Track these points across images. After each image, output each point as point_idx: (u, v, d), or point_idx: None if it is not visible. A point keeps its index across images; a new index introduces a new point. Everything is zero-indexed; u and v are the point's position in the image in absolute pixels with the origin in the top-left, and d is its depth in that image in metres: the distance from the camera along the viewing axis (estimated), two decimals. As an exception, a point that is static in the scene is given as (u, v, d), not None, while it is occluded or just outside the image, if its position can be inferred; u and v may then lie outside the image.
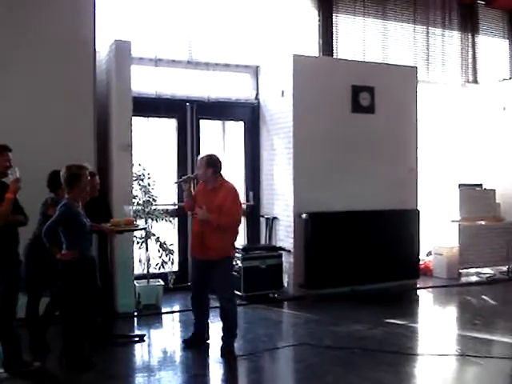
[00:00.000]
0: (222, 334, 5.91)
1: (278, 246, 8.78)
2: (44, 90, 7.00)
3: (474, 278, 9.99)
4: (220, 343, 5.91)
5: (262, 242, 9.22)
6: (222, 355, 5.81)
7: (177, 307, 7.87)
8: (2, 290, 4.90)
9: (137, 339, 6.42)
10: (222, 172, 5.97)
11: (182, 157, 8.94)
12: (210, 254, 5.74)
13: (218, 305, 5.99)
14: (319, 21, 9.99)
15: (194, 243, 6.00)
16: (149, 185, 8.06)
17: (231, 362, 5.70)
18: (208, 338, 6.18)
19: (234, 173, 9.41)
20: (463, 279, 9.90)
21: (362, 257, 8.71)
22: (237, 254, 8.24)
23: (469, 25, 11.39)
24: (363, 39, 10.38)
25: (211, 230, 5.70)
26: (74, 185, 5.27)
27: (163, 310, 7.67)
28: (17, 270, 5.12)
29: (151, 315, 7.41)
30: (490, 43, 11.75)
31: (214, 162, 5.91)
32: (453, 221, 10.06)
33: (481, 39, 11.57)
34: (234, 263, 8.30)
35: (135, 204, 7.83)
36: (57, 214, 5.21)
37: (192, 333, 6.18)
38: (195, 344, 6.09)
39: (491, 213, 10.39)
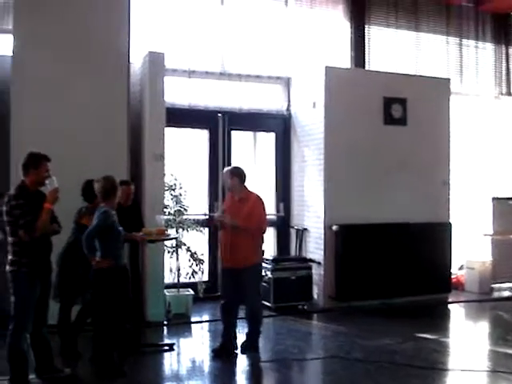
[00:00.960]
0: (246, 331, 6.23)
1: (308, 257, 8.77)
2: (80, 101, 7.10)
3: (506, 293, 9.83)
4: (243, 339, 6.23)
5: (292, 253, 9.21)
6: (245, 350, 6.16)
7: (206, 317, 7.91)
8: (36, 297, 4.98)
9: (166, 348, 6.46)
10: (246, 184, 6.28)
11: (214, 167, 9.00)
12: (239, 263, 6.00)
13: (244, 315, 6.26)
14: (351, 32, 10.00)
15: (224, 253, 6.20)
16: (180, 195, 8.13)
17: (259, 370, 5.72)
18: (236, 348, 6.20)
19: (264, 184, 9.46)
20: (495, 294, 9.75)
21: (393, 270, 8.64)
22: (267, 265, 8.30)
23: (502, 36, 11.28)
24: (395, 51, 10.34)
25: (240, 238, 5.96)
26: (111, 195, 5.37)
27: (193, 320, 7.70)
28: (49, 278, 5.20)
29: (181, 324, 7.46)
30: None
31: (239, 172, 6.24)
32: (485, 234, 9.93)
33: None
34: (264, 273, 8.37)
35: (167, 214, 7.89)
36: (97, 221, 5.29)
37: (220, 342, 6.21)
38: (224, 353, 6.12)
39: (525, 227, 10.23)
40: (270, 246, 9.37)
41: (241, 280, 6.03)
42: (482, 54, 11.15)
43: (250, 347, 6.17)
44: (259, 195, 6.27)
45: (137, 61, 7.94)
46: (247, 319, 6.23)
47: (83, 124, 7.12)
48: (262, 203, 6.23)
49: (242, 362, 6.13)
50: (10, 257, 4.96)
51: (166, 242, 7.65)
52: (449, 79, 9.75)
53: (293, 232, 9.31)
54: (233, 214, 6.04)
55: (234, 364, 6.05)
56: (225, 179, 6.32)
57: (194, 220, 8.41)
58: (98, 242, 5.32)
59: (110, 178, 5.42)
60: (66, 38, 7.11)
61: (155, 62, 7.63)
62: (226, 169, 6.45)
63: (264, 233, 6.29)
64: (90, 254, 5.31)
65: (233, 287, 6.13)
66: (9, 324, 4.91)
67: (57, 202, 4.97)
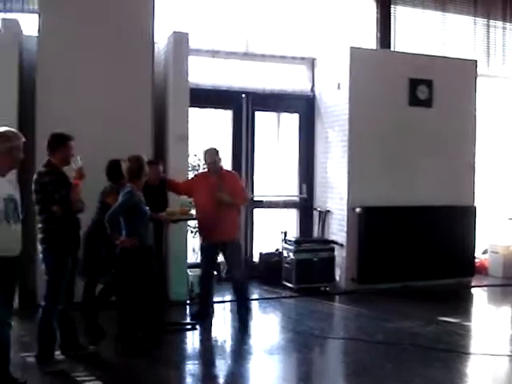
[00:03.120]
0: (237, 311, 6.63)
1: (330, 239, 8.75)
2: (104, 81, 7.15)
3: (531, 278, 9.74)
4: (236, 317, 6.66)
5: (315, 235, 9.21)
6: (242, 326, 6.50)
7: (228, 297, 7.94)
8: (68, 273, 5.05)
9: (189, 327, 6.52)
10: None
11: (237, 148, 9.01)
12: (226, 237, 6.39)
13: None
14: (377, 13, 9.87)
15: (209, 228, 6.40)
16: (204, 175, 8.13)
17: (280, 350, 5.75)
18: (213, 312, 6.95)
19: (287, 165, 9.44)
20: (520, 279, 9.67)
21: (416, 253, 8.59)
22: (289, 246, 8.32)
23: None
24: (422, 31, 10.19)
25: (226, 213, 6.30)
26: (139, 175, 5.40)
27: (214, 299, 7.74)
28: (76, 255, 5.26)
29: (203, 304, 7.50)
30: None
31: (219, 153, 6.63)
32: (510, 218, 9.82)
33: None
34: (286, 254, 8.41)
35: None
36: (121, 200, 5.33)
37: (198, 308, 6.75)
38: (202, 317, 6.62)
39: (552, 211, 10.11)
40: (292, 227, 9.38)
41: (225, 253, 6.53)
42: (510, 35, 10.94)
43: (244, 330, 6.48)
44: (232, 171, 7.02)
45: (161, 41, 7.93)
46: (236, 292, 6.64)
47: (107, 104, 7.15)
48: (239, 177, 6.84)
49: (263, 342, 6.17)
50: (41, 235, 5.02)
51: (190, 222, 7.69)
52: (475, 61, 9.58)
53: (316, 214, 9.30)
54: (214, 191, 6.28)
55: (256, 343, 6.09)
56: (210, 158, 6.53)
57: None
58: (123, 222, 5.35)
59: (136, 159, 5.44)
60: (90, 18, 7.13)
61: (179, 41, 7.61)
62: (209, 148, 6.65)
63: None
64: (112, 233, 5.35)
65: (213, 261, 6.72)
66: (37, 301, 4.98)
67: (83, 179, 5.02)
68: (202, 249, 6.79)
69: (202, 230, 6.63)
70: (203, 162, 8.03)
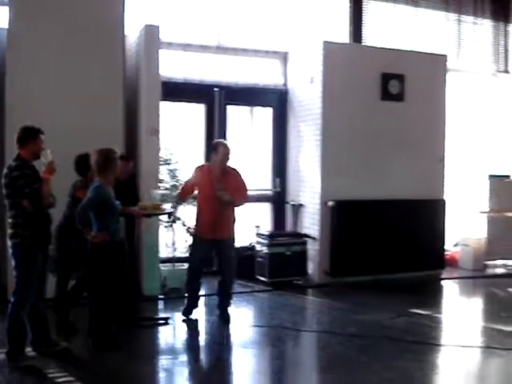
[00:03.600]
0: (219, 303, 6.59)
1: (303, 233, 8.79)
2: (75, 74, 7.05)
3: (500, 270, 9.89)
4: (216, 312, 6.62)
5: (288, 228, 9.23)
6: (224, 320, 6.44)
7: (201, 291, 7.91)
8: (38, 269, 4.99)
9: (161, 322, 6.49)
10: None
11: (210, 142, 8.94)
12: (224, 234, 6.31)
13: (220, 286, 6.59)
14: (350, 7, 9.89)
15: (207, 224, 6.25)
16: (176, 169, 8.11)
17: (253, 344, 5.76)
18: (197, 306, 6.80)
19: (260, 159, 9.44)
20: (489, 271, 9.81)
21: (388, 246, 8.67)
22: (262, 240, 8.33)
23: (501, 13, 11.17)
24: (394, 26, 10.25)
25: (226, 211, 6.26)
26: (107, 168, 5.34)
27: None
28: (47, 251, 5.20)
29: (176, 298, 7.48)
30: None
31: None
32: (481, 212, 9.96)
33: (514, 27, 11.37)
34: (259, 248, 8.41)
35: (162, 188, 7.87)
36: (90, 195, 5.27)
37: (186, 305, 6.64)
38: (189, 313, 6.61)
39: (520, 204, 10.26)
40: (265, 221, 9.39)
41: (220, 251, 6.43)
42: (481, 30, 11.06)
43: (227, 319, 6.45)
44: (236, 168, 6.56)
45: (132, 34, 7.85)
46: (224, 290, 6.54)
47: (78, 97, 7.06)
48: (241, 175, 6.55)
49: (237, 336, 6.17)
50: (10, 230, 4.95)
51: (162, 217, 7.65)
52: (446, 56, 9.67)
53: (288, 207, 9.32)
54: (216, 188, 6.18)
55: (229, 338, 6.09)
56: (225, 152, 6.33)
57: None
58: (94, 217, 5.30)
59: (103, 152, 5.37)
60: (60, 10, 7.02)
61: (151, 35, 7.54)
62: (222, 141, 6.61)
63: None
64: (82, 228, 5.30)
65: (204, 257, 6.53)
66: (8, 297, 4.92)
67: (54, 173, 4.96)
68: (196, 244, 6.53)
69: (201, 226, 6.40)
70: (175, 157, 8.09)
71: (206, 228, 6.27)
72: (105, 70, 7.22)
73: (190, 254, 6.76)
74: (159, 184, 7.71)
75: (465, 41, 10.89)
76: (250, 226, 8.93)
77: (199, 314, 7.22)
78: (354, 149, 8.66)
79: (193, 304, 6.62)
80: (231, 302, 6.64)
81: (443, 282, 9.08)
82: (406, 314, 6.88)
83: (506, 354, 5.60)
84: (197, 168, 6.59)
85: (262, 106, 9.52)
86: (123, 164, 6.05)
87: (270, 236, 8.42)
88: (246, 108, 9.48)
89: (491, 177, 10.11)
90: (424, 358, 5.52)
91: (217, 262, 6.75)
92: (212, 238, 6.28)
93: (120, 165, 5.70)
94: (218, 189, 6.18)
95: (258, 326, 6.40)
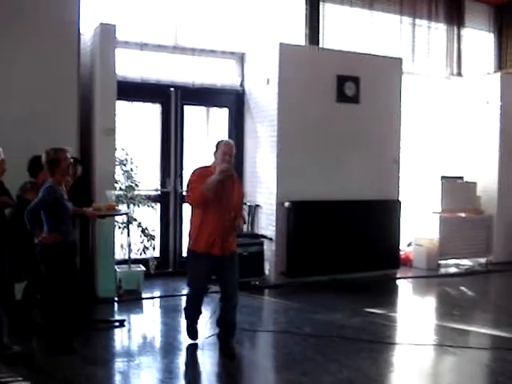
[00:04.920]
0: (223, 333, 5.68)
1: (260, 233, 8.80)
2: (28, 73, 6.92)
3: (452, 270, 10.10)
4: (219, 343, 5.72)
5: (244, 229, 9.22)
6: (228, 356, 5.50)
7: (157, 293, 7.87)
8: None
9: (117, 324, 6.42)
10: None
11: (166, 142, 8.92)
12: (229, 249, 5.47)
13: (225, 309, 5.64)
14: (306, 9, 9.96)
15: (212, 238, 5.35)
16: (131, 170, 8.03)
17: (210, 345, 5.73)
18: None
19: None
20: (442, 270, 10.00)
21: (344, 246, 8.76)
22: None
23: (455, 17, 11.41)
24: (350, 29, 10.36)
25: (232, 225, 5.47)
26: (54, 169, 5.25)
27: (144, 296, 7.66)
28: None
29: (132, 300, 7.41)
30: (475, 36, 11.82)
31: None
32: (434, 212, 10.14)
33: (466, 32, 11.61)
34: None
35: (118, 189, 7.79)
36: (40, 196, 5.18)
37: (190, 329, 5.85)
38: (196, 337, 5.85)
39: (472, 205, 10.50)
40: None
41: (224, 269, 5.47)
42: (435, 34, 11.27)
43: (232, 354, 5.53)
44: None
45: (87, 32, 7.75)
46: (227, 319, 5.64)
47: (31, 97, 6.94)
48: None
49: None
50: None
51: (117, 218, 7.58)
52: (401, 59, 9.81)
53: (245, 208, 9.31)
54: (223, 195, 5.37)
55: (185, 339, 6.05)
56: (226, 152, 5.43)
57: (145, 195, 8.33)
58: (44, 218, 5.21)
59: (50, 152, 5.27)
60: (14, 7, 6.88)
61: (106, 33, 7.44)
62: (227, 140, 5.71)
63: None
64: (32, 230, 5.20)
65: (206, 276, 5.61)
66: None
67: (4, 172, 4.85)
68: (198, 261, 5.50)
69: (204, 240, 5.38)
70: (130, 158, 8.00)
71: (212, 242, 5.36)
72: (59, 69, 7.11)
73: (190, 275, 5.75)
74: (115, 185, 7.62)
75: (419, 44, 11.08)
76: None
77: (155, 315, 7.18)
78: (311, 150, 8.72)
79: (194, 328, 5.83)
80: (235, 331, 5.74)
81: (398, 282, 9.21)
82: (361, 314, 6.96)
83: (459, 352, 5.72)
84: (198, 170, 5.57)
85: (219, 106, 9.51)
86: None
87: (227, 237, 8.39)
88: (203, 108, 9.45)
89: (444, 178, 10.31)
90: (379, 356, 5.60)
91: (219, 282, 5.65)
92: (217, 254, 5.38)
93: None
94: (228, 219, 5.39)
95: (214, 326, 6.38)
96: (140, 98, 8.78)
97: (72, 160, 5.55)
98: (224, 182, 5.33)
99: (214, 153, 5.52)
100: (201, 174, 5.44)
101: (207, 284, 5.77)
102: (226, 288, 5.57)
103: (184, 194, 8.98)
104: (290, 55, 8.63)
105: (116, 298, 7.38)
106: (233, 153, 5.48)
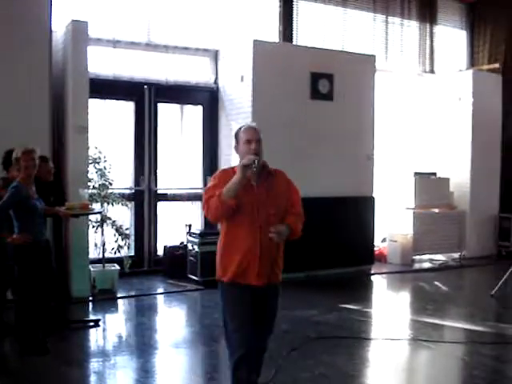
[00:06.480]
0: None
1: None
2: (-2, 70, 6.83)
3: (426, 265, 10.20)
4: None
5: (219, 227, 9.18)
6: None
7: (132, 292, 7.82)
8: None
9: (91, 324, 6.36)
10: None
11: (139, 140, 8.86)
12: (274, 278, 3.99)
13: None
14: (280, 6, 9.96)
15: (249, 264, 3.83)
16: (105, 168, 7.95)
17: (186, 343, 5.71)
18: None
19: (191, 157, 9.38)
20: (416, 265, 10.10)
21: (318, 242, 8.76)
22: (193, 239, 8.27)
23: (427, 15, 11.49)
24: (323, 26, 10.38)
25: (274, 243, 3.96)
26: (19, 167, 5.22)
27: (118, 295, 7.60)
28: None
29: (106, 300, 7.35)
30: (448, 33, 11.92)
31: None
32: (408, 208, 10.22)
33: (439, 29, 11.71)
34: (191, 247, 8.32)
35: (91, 187, 7.71)
36: (6, 195, 5.12)
37: None
38: None
39: (445, 201, 10.60)
40: (197, 220, 9.34)
41: (262, 304, 3.89)
42: (408, 31, 11.34)
43: None
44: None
45: (60, 29, 7.65)
46: (258, 357, 3.98)
47: (2, 95, 6.83)
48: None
49: (169, 336, 6.11)
50: None
51: (91, 217, 7.50)
52: (374, 56, 9.87)
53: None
54: (256, 201, 3.82)
55: (162, 337, 6.03)
56: (251, 139, 3.84)
57: (119, 194, 8.25)
58: (14, 218, 5.16)
59: (15, 150, 5.25)
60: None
61: (78, 30, 7.35)
62: (248, 125, 4.06)
63: None
64: (1, 230, 5.14)
65: (250, 321, 3.79)
66: None
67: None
68: (235, 297, 3.87)
69: (239, 267, 3.87)
70: (104, 156, 7.93)
71: (249, 270, 3.83)
72: (30, 67, 7.01)
73: (229, 319, 3.87)
74: (88, 183, 7.54)
75: (392, 41, 11.14)
76: (182, 224, 8.87)
77: (130, 314, 7.13)
78: (285, 147, 8.71)
79: None
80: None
81: (372, 277, 9.28)
82: (336, 310, 7.00)
83: (433, 346, 5.77)
84: (219, 173, 4.02)
85: (193, 104, 9.47)
86: (43, 164, 5.87)
87: (202, 235, 8.37)
88: (177, 106, 9.40)
89: (417, 174, 10.40)
90: (355, 352, 5.63)
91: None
92: (257, 285, 3.82)
93: (41, 166, 5.53)
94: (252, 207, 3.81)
95: (190, 325, 6.36)
96: (113, 96, 8.70)
97: (40, 157, 5.49)
98: (256, 182, 3.84)
99: (235, 147, 3.97)
100: (222, 176, 3.86)
101: (253, 336, 3.80)
102: (263, 327, 3.96)
103: (158, 192, 8.99)
104: (264, 52, 8.62)
105: (90, 298, 7.32)
106: (260, 138, 3.89)
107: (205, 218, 9.26)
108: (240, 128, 3.99)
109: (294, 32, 10.07)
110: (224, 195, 3.68)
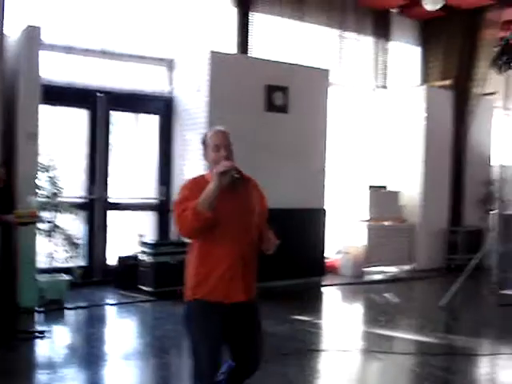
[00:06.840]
0: None
1: (187, 241, 8.71)
2: None
3: (378, 277, 10.32)
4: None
5: (172, 237, 9.13)
6: None
7: (82, 303, 7.68)
8: None
9: (39, 335, 6.21)
10: None
11: (92, 148, 8.74)
12: (251, 293, 3.78)
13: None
14: (237, 18, 9.97)
15: (221, 279, 3.61)
16: (56, 176, 7.80)
17: (136, 356, 5.63)
18: None
19: (145, 167, 9.31)
20: (368, 277, 10.20)
21: (269, 254, 8.74)
22: (146, 249, 8.18)
23: (382, 31, 11.68)
24: (279, 39, 10.44)
25: (253, 255, 3.93)
26: None
27: (68, 306, 7.45)
28: None
29: (55, 310, 7.19)
30: (402, 50, 12.14)
31: None
32: (362, 220, 10.35)
33: (394, 45, 11.91)
34: (143, 258, 8.23)
35: (41, 196, 7.55)
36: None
37: None
38: None
39: (396, 214, 10.77)
40: (149, 230, 9.25)
41: (242, 321, 3.76)
42: (362, 47, 11.51)
43: None
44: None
45: (12, 34, 7.50)
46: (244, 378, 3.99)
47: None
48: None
49: (119, 347, 6.02)
50: None
51: (40, 225, 7.34)
52: (328, 70, 9.97)
53: (173, 216, 9.21)
54: (230, 209, 3.60)
55: (111, 349, 5.93)
56: (220, 144, 3.80)
57: (69, 203, 8.11)
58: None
59: None
60: None
61: (31, 36, 7.23)
62: (216, 129, 3.95)
63: None
64: None
65: (221, 332, 3.62)
66: None
67: None
68: (206, 316, 3.62)
69: (212, 284, 3.63)
70: (55, 164, 7.78)
71: (220, 285, 3.60)
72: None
73: (197, 339, 3.61)
74: (38, 191, 7.39)
75: (347, 56, 11.28)
76: (134, 234, 8.77)
77: (79, 325, 6.99)
78: (240, 158, 8.52)
79: None
80: None
81: (324, 289, 9.32)
82: (288, 321, 7.00)
83: (385, 357, 5.82)
84: (187, 184, 3.79)
85: (148, 113, 9.40)
86: None
87: (155, 245, 8.29)
88: (132, 115, 9.31)
89: (371, 187, 10.55)
90: (306, 363, 5.62)
91: (235, 338, 3.78)
92: (232, 302, 3.62)
93: None
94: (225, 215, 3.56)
95: (141, 336, 6.28)
96: (66, 103, 8.56)
97: None
98: (230, 190, 3.56)
99: (204, 154, 3.78)
100: (193, 187, 3.63)
101: (222, 342, 3.64)
102: (242, 342, 3.81)
103: (110, 201, 8.86)
104: (221, 63, 8.62)
105: (38, 308, 7.15)
106: (230, 143, 3.82)
107: (162, 228, 9.24)
108: (207, 133, 3.80)
109: (250, 44, 10.09)
110: (200, 206, 3.38)
